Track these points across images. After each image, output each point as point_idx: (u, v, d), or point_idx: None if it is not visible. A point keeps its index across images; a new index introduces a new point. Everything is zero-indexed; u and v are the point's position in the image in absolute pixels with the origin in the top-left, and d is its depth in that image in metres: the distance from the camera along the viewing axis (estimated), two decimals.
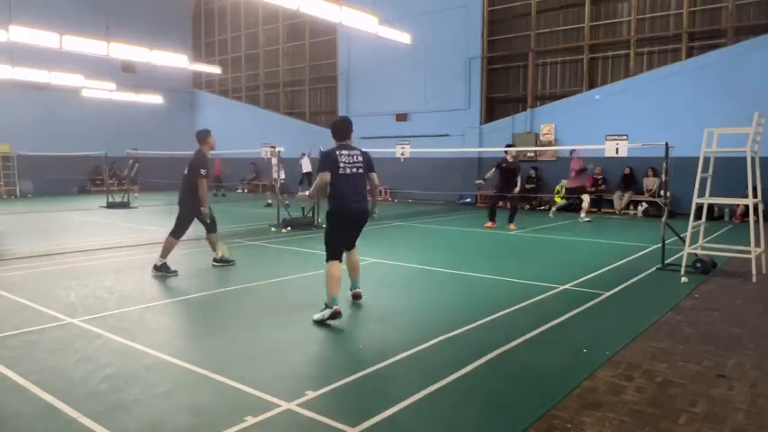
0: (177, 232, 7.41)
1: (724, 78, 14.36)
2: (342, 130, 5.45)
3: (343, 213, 5.34)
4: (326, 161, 5.27)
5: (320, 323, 5.02)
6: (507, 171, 12.19)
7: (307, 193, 5.62)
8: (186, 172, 7.47)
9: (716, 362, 4.17)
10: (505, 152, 12.56)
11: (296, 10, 10.66)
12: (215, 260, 7.81)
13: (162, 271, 7.16)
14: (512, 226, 12.08)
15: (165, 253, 7.26)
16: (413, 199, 20.06)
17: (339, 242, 5.43)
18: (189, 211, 7.47)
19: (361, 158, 5.38)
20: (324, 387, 3.62)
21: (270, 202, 17.75)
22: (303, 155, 18.51)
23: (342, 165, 5.23)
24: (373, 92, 21.67)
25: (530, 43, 18.14)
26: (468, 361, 4.08)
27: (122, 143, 20.99)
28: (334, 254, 5.31)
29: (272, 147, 16.09)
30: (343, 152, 5.30)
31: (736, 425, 3.18)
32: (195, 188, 7.30)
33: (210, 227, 7.74)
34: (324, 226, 5.59)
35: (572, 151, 13.77)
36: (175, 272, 7.23)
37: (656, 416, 3.28)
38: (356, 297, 5.87)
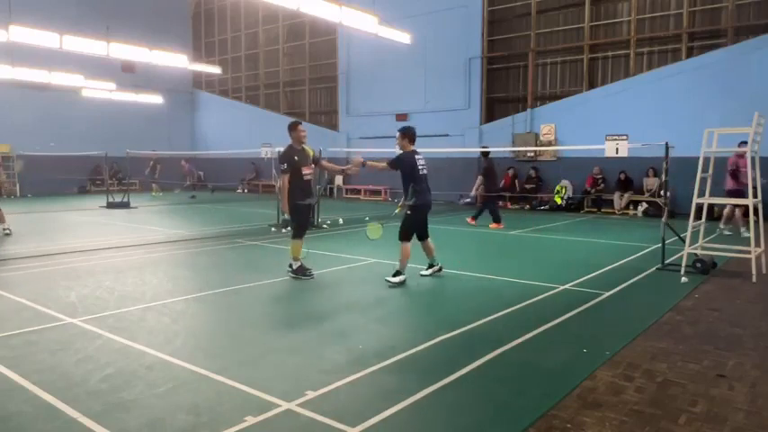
0: (297, 233, 7.03)
1: (724, 78, 14.35)
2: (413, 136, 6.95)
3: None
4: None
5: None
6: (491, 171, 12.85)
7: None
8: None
9: (716, 362, 4.16)
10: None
11: (296, 10, 10.66)
12: (291, 267, 7.10)
13: (298, 273, 6.95)
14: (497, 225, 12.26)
15: (295, 254, 7.03)
16: None
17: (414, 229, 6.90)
18: (294, 210, 6.97)
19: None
20: (324, 387, 3.62)
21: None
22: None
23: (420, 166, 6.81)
24: (373, 92, 21.66)
25: (530, 43, 18.13)
26: (468, 361, 4.08)
27: (122, 143, 21.00)
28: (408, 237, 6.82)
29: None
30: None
31: (736, 425, 3.18)
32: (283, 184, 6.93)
33: (295, 230, 7.06)
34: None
35: (741, 143, 9.60)
36: (312, 275, 6.99)
37: (656, 416, 3.28)
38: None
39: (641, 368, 4.02)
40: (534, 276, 7.08)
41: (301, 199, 6.98)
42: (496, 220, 12.24)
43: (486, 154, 13.08)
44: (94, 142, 21.86)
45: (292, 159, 6.92)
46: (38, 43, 12.66)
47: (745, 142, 11.07)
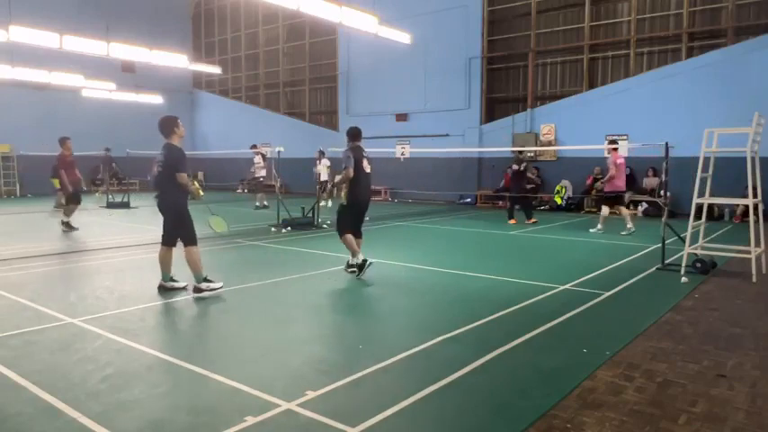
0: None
1: (724, 78, 14.36)
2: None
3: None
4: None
5: None
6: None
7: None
8: None
9: (716, 362, 4.16)
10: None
11: (296, 10, 10.66)
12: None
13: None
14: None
15: None
16: (413, 199, 20.06)
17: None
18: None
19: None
20: (324, 387, 3.62)
21: (258, 204, 17.55)
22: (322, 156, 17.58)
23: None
24: (373, 92, 21.67)
25: (530, 43, 18.14)
26: (468, 361, 4.08)
27: (122, 143, 20.99)
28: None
29: (255, 146, 16.70)
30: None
31: (736, 425, 3.18)
32: None
33: None
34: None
35: (609, 143, 11.60)
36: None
37: (656, 416, 3.28)
38: None
39: (641, 368, 4.02)
40: (534, 276, 7.07)
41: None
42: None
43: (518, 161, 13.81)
44: (94, 142, 21.84)
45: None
46: (38, 43, 12.66)
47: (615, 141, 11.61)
